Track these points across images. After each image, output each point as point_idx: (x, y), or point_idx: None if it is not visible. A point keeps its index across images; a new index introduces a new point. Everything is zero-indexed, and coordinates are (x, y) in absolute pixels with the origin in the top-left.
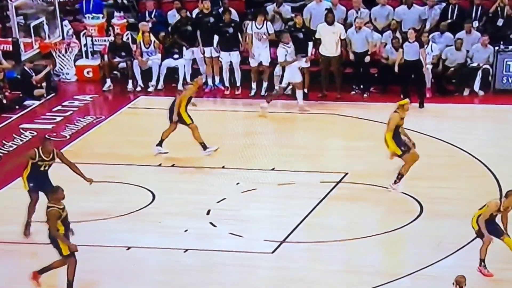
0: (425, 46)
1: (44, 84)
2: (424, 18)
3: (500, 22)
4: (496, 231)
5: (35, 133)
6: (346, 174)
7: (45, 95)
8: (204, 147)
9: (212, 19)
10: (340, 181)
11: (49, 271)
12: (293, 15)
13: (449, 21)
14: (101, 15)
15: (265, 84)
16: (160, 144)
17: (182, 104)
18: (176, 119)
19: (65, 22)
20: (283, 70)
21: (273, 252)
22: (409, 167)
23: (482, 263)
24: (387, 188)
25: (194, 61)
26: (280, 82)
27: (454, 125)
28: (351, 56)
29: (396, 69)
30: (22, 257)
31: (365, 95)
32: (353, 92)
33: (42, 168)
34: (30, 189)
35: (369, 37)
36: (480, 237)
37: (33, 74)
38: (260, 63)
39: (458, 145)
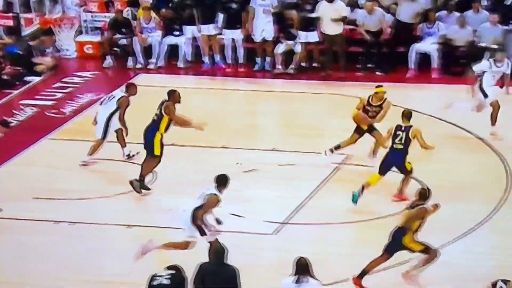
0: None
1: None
2: None
3: (508, 1)
4: None
5: (35, 109)
6: (349, 156)
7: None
8: None
9: None
10: (342, 162)
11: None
12: None
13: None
14: None
15: (268, 59)
16: None
17: None
18: None
19: None
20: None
21: (274, 233)
22: None
23: None
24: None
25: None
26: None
27: (462, 107)
28: (367, 37)
29: None
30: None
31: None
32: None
33: None
34: None
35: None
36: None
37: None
38: (264, 39)
39: (467, 127)
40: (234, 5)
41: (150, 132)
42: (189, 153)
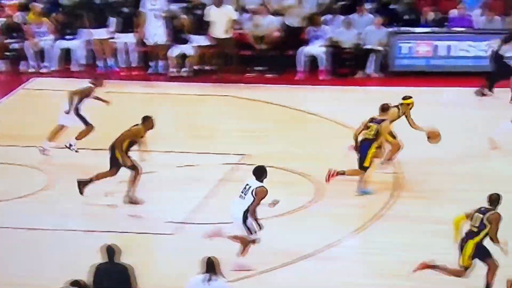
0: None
1: None
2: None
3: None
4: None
5: None
6: (244, 155)
7: None
8: None
9: None
10: (238, 163)
11: None
12: None
13: (342, 3)
14: None
15: (161, 63)
16: None
17: None
18: None
19: None
20: None
21: (174, 233)
22: None
23: None
24: (283, 169)
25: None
26: None
27: (348, 108)
28: (253, 43)
29: None
30: None
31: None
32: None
33: None
34: None
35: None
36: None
37: None
38: (156, 43)
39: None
40: (126, 9)
41: (112, 149)
42: (86, 156)
